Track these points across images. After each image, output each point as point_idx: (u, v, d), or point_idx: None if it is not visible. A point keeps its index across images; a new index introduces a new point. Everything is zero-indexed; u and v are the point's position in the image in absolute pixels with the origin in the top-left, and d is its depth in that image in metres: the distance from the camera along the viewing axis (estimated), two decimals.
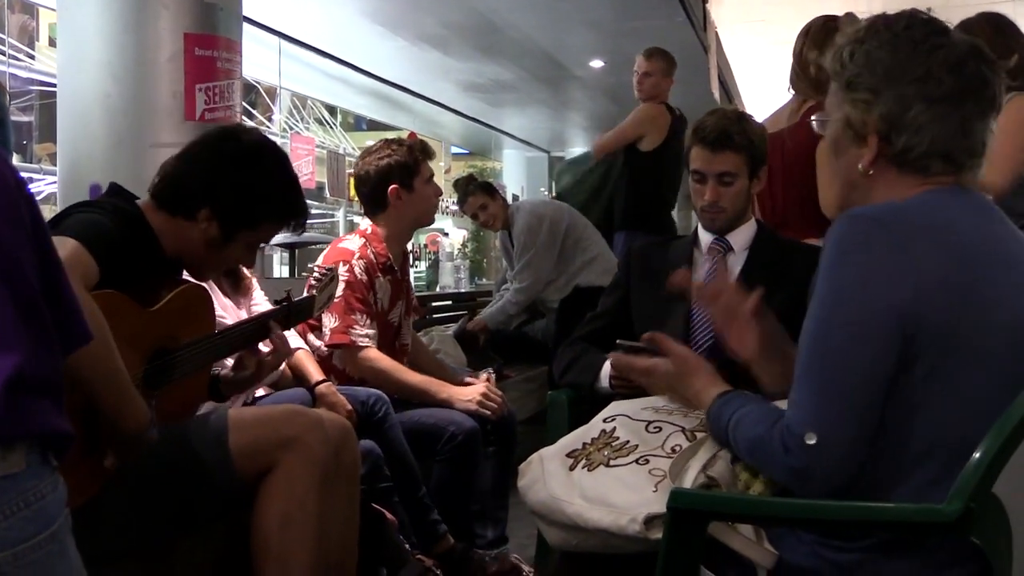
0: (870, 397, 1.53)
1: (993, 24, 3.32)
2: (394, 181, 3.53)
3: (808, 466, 1.54)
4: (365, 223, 3.64)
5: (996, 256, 1.59)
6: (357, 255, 3.47)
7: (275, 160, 2.43)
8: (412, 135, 12.35)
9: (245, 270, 3.19)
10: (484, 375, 3.71)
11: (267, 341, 2.57)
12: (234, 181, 2.29)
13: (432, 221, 3.95)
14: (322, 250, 3.81)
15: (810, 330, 1.58)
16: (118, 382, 1.95)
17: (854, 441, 1.54)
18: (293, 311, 2.70)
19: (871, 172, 1.65)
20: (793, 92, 3.65)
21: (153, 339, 2.20)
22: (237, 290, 3.14)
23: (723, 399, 1.77)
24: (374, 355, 3.43)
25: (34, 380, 1.19)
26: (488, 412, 3.46)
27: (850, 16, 2.39)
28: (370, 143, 3.76)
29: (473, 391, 3.49)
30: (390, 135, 14.02)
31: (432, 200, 3.68)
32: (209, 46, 3.80)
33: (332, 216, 13.17)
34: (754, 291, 1.93)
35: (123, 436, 2.02)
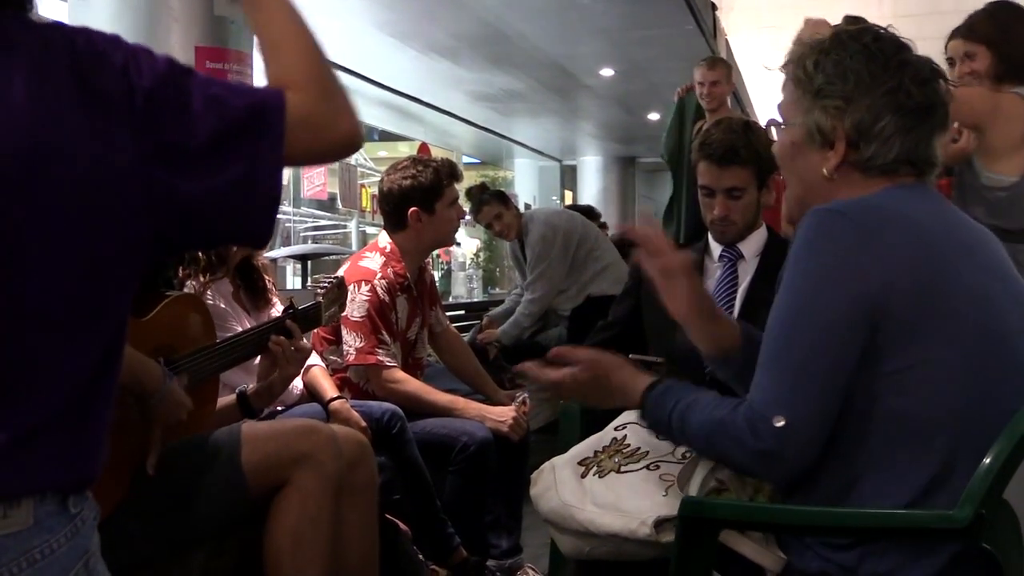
0: (836, 381, 1.56)
1: (998, 17, 3.29)
2: (415, 203, 3.52)
3: (777, 448, 1.56)
4: (383, 238, 3.63)
5: (958, 243, 1.64)
6: (379, 275, 3.46)
7: None
8: (424, 147, 12.40)
9: (270, 287, 3.18)
10: (520, 397, 3.67)
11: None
12: None
13: (452, 243, 3.92)
14: (335, 261, 3.81)
15: (778, 317, 1.62)
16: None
17: (821, 423, 1.57)
18: (299, 319, 2.69)
19: (834, 176, 1.69)
20: None
21: (148, 349, 2.16)
22: (257, 305, 3.12)
23: (660, 388, 1.78)
24: (400, 376, 3.44)
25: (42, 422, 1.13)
26: (515, 437, 3.46)
27: (848, 19, 2.39)
28: (383, 154, 3.75)
29: (507, 412, 3.48)
30: (401, 145, 14.11)
31: (453, 223, 3.66)
32: (220, 59, 3.82)
33: (344, 227, 13.16)
34: (686, 255, 1.96)
35: (149, 396, 2.03)
